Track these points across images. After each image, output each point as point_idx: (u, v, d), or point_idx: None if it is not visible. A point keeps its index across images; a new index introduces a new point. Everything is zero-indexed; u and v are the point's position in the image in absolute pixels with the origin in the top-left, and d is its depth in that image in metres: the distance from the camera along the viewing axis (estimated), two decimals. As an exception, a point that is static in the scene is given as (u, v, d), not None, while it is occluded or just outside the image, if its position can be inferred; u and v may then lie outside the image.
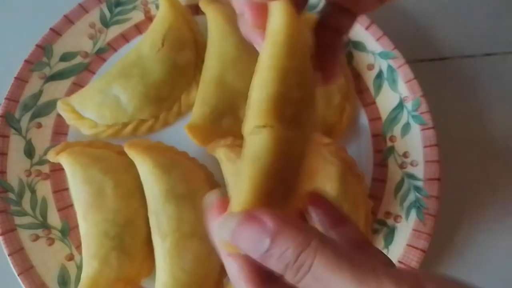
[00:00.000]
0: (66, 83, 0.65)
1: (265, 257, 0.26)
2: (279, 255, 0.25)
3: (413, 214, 0.61)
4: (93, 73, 0.67)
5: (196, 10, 0.69)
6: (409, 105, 0.65)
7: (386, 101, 0.66)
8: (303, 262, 0.25)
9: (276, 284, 0.28)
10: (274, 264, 0.26)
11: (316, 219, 0.32)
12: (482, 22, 0.76)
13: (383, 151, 0.65)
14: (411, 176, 0.63)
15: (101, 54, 0.67)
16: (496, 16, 0.76)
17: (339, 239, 0.33)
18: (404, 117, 0.65)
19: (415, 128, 0.64)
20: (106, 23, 0.68)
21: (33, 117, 0.63)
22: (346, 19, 0.36)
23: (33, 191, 0.61)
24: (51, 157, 0.60)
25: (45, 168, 0.62)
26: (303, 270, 0.25)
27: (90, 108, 0.63)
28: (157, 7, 0.69)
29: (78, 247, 0.59)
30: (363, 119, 0.67)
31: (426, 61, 0.74)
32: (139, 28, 0.69)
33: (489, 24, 0.76)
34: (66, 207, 0.61)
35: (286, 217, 0.26)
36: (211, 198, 0.31)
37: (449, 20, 0.76)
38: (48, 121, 0.64)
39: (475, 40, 0.75)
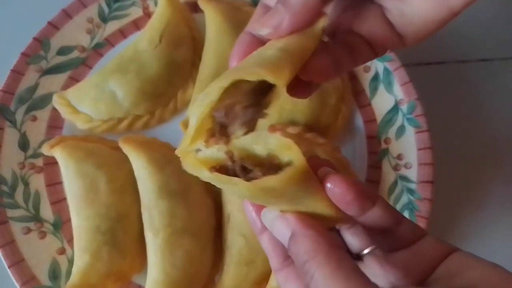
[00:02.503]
0: (62, 77, 0.65)
1: (288, 251, 0.31)
2: (295, 255, 0.30)
3: (405, 216, 0.61)
4: (90, 67, 0.67)
5: (194, 7, 0.69)
6: (404, 107, 0.65)
7: (381, 103, 0.67)
8: (307, 270, 0.28)
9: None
10: (294, 259, 0.30)
11: (339, 201, 0.32)
12: (478, 28, 0.76)
13: (377, 152, 0.65)
14: (405, 178, 0.63)
15: (99, 49, 0.67)
16: (492, 22, 0.77)
17: (368, 224, 0.33)
18: (399, 120, 0.65)
19: (410, 131, 0.64)
20: (104, 18, 0.68)
21: (29, 110, 0.63)
22: (367, 54, 0.37)
23: (26, 184, 0.61)
24: (45, 150, 0.60)
25: (39, 161, 0.62)
26: (308, 277, 0.28)
27: (85, 103, 0.63)
28: (155, 3, 0.69)
29: (70, 241, 0.59)
30: (358, 120, 0.67)
31: (423, 64, 0.74)
32: (137, 24, 0.69)
33: (486, 30, 0.76)
34: (59, 201, 0.61)
35: (308, 222, 0.30)
36: None
37: (446, 25, 0.76)
38: (43, 115, 0.64)
39: (472, 45, 0.75)
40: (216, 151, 0.30)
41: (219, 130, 0.30)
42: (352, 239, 0.36)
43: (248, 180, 0.28)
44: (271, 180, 0.27)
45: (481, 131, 0.71)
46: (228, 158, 0.29)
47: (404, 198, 0.62)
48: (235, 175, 0.29)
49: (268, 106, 0.32)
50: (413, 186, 0.62)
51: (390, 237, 0.34)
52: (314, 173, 0.31)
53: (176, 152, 0.31)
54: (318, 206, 0.30)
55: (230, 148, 0.29)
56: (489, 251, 0.65)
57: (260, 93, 0.31)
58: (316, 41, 0.33)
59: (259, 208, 0.35)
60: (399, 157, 0.64)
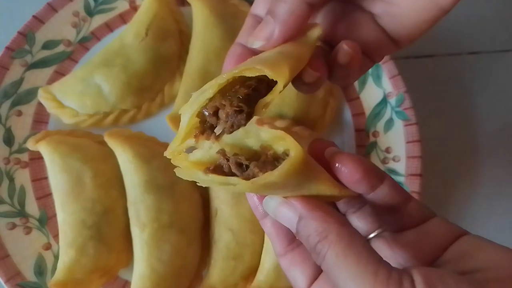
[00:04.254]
0: (48, 71, 0.65)
1: (297, 235, 0.31)
2: (305, 238, 0.29)
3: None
4: (76, 62, 0.66)
5: (182, 1, 0.69)
6: (392, 100, 0.65)
7: (370, 96, 0.66)
8: (319, 251, 0.28)
9: (302, 245, 0.34)
10: (303, 242, 0.30)
11: (348, 180, 0.32)
12: (468, 21, 0.76)
13: (365, 146, 0.65)
14: (393, 172, 0.63)
15: (84, 43, 0.67)
16: (481, 16, 0.76)
17: (376, 202, 0.33)
18: (388, 113, 0.65)
19: (398, 124, 0.64)
20: (90, 12, 0.67)
21: (13, 104, 0.62)
22: (365, 63, 0.38)
23: (11, 179, 0.60)
24: (31, 145, 0.59)
25: (25, 157, 0.61)
26: (320, 257, 0.28)
27: (71, 97, 0.62)
28: (142, -3, 0.68)
29: (56, 236, 0.59)
30: (347, 113, 0.67)
31: (412, 58, 0.74)
32: (123, 18, 0.68)
33: (474, 23, 0.76)
34: (44, 196, 0.60)
35: (314, 204, 0.30)
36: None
37: (436, 18, 0.76)
38: (28, 109, 0.63)
39: (461, 38, 0.75)
40: (208, 150, 0.29)
41: (207, 129, 0.29)
42: (359, 222, 0.36)
43: (246, 178, 0.27)
44: (271, 176, 0.26)
45: (469, 124, 0.71)
46: (221, 156, 0.28)
47: (393, 191, 0.62)
48: (231, 173, 0.28)
49: (256, 113, 0.30)
50: (401, 179, 0.62)
51: (398, 216, 0.34)
52: (320, 155, 0.31)
53: (166, 153, 0.30)
54: (321, 188, 0.30)
55: (221, 145, 0.29)
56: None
57: (251, 100, 0.30)
58: (311, 49, 0.33)
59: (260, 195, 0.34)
60: (388, 150, 0.64)
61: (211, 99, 0.29)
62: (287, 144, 0.27)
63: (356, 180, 0.31)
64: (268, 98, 0.29)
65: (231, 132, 0.29)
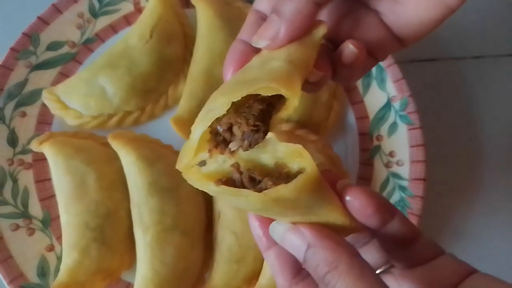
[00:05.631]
0: (52, 73, 0.65)
1: (304, 264, 0.30)
2: (314, 268, 0.29)
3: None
4: (80, 63, 0.66)
5: (186, 3, 0.69)
6: (396, 104, 0.65)
7: (374, 100, 0.66)
8: (329, 281, 0.27)
9: (308, 278, 0.32)
10: (311, 272, 0.29)
11: (360, 214, 0.31)
12: (472, 25, 0.76)
13: (369, 149, 0.65)
14: (397, 176, 0.63)
15: (89, 45, 0.67)
16: (486, 20, 0.76)
17: (386, 237, 0.32)
18: (392, 117, 0.65)
19: (402, 128, 0.64)
20: (94, 14, 0.67)
21: (18, 105, 0.62)
22: (369, 61, 0.37)
23: (15, 180, 0.60)
24: (34, 146, 0.59)
25: (28, 158, 0.61)
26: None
27: (75, 99, 0.62)
28: (147, -2, 0.68)
29: (59, 238, 0.59)
30: (351, 117, 0.67)
31: (416, 61, 0.74)
32: (128, 20, 0.68)
33: (479, 28, 0.76)
34: (48, 197, 0.60)
35: (324, 232, 0.29)
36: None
37: (440, 21, 0.76)
38: (32, 110, 0.63)
39: (465, 42, 0.75)
40: (221, 164, 0.28)
41: (221, 142, 0.29)
42: (365, 257, 0.34)
43: (258, 191, 0.26)
44: (284, 189, 0.26)
45: (473, 128, 0.70)
46: (235, 170, 0.28)
47: (396, 196, 0.62)
48: (243, 187, 0.27)
49: (270, 129, 0.30)
50: (405, 183, 0.62)
51: (407, 252, 0.33)
52: (331, 186, 0.30)
53: (177, 166, 0.29)
54: (331, 216, 0.29)
55: (236, 158, 0.28)
56: (481, 248, 0.65)
57: (265, 114, 0.30)
58: (317, 49, 0.33)
59: (264, 223, 0.33)
60: (391, 154, 0.64)
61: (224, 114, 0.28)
62: (303, 161, 0.27)
63: (369, 214, 0.30)
64: (283, 114, 0.29)
65: (247, 150, 0.28)
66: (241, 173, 0.28)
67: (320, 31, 0.33)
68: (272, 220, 0.32)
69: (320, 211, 0.29)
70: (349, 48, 0.33)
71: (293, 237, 0.29)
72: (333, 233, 0.29)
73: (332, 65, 0.35)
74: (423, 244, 0.33)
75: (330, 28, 0.36)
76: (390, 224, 0.32)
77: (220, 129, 0.29)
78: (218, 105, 0.28)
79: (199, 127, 0.28)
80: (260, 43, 0.32)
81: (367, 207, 0.30)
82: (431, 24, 0.35)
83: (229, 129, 0.28)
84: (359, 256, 0.29)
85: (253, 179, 0.27)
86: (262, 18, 0.35)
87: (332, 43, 0.37)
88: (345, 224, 0.30)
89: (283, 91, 0.27)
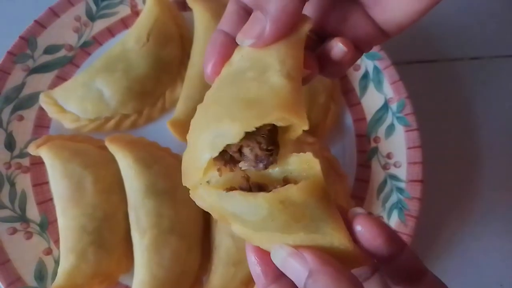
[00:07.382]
0: (49, 76, 0.65)
1: None
2: None
3: (394, 215, 0.61)
4: (77, 66, 0.66)
5: (183, 5, 0.69)
6: (394, 106, 0.65)
7: (371, 101, 0.66)
8: None
9: None
10: None
11: (370, 243, 0.30)
12: (469, 26, 0.76)
13: (367, 151, 0.65)
14: (394, 177, 0.63)
15: (86, 48, 0.67)
16: (483, 21, 0.76)
17: (393, 271, 0.32)
18: (389, 118, 0.65)
19: (399, 130, 0.64)
20: (92, 17, 0.67)
21: (15, 109, 0.62)
22: (355, 55, 0.36)
23: (12, 184, 0.60)
24: (32, 150, 0.59)
25: (26, 161, 0.61)
26: None
27: (72, 102, 0.62)
28: (143, 1, 0.68)
29: (57, 241, 0.58)
30: (348, 119, 0.67)
31: (414, 63, 0.74)
32: (125, 23, 0.68)
33: (476, 29, 0.76)
34: (45, 201, 0.60)
35: (326, 259, 0.28)
36: None
37: (437, 23, 0.76)
38: (30, 114, 0.63)
39: (463, 43, 0.75)
40: (231, 179, 0.29)
41: (229, 160, 0.29)
42: None
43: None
44: (292, 189, 0.26)
45: (471, 130, 0.71)
46: (244, 181, 0.28)
47: (394, 197, 0.62)
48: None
49: (278, 152, 0.30)
50: (402, 185, 0.62)
51: None
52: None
53: (186, 184, 0.30)
54: (335, 236, 0.29)
55: (246, 172, 0.29)
56: (479, 250, 0.65)
57: (271, 135, 0.30)
58: (303, 45, 0.32)
59: (263, 259, 0.31)
60: (389, 156, 0.64)
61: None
62: (310, 170, 0.28)
63: (377, 245, 0.30)
64: (292, 135, 0.29)
65: (261, 171, 0.29)
66: (248, 182, 0.28)
67: (306, 27, 0.33)
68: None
69: (324, 228, 0.29)
70: (338, 46, 0.33)
71: (294, 262, 0.29)
72: (335, 261, 0.29)
73: (318, 59, 0.34)
74: (429, 281, 0.32)
75: (315, 21, 0.35)
76: (397, 259, 0.31)
77: (230, 152, 0.29)
78: (228, 133, 0.27)
79: (207, 153, 0.28)
80: (245, 41, 0.31)
81: (376, 238, 0.29)
82: (416, 16, 0.34)
83: (239, 150, 0.28)
84: (360, 285, 0.28)
85: (260, 187, 0.28)
86: (243, 8, 0.34)
87: (317, 34, 0.36)
88: (349, 249, 0.29)
89: (295, 121, 0.27)
